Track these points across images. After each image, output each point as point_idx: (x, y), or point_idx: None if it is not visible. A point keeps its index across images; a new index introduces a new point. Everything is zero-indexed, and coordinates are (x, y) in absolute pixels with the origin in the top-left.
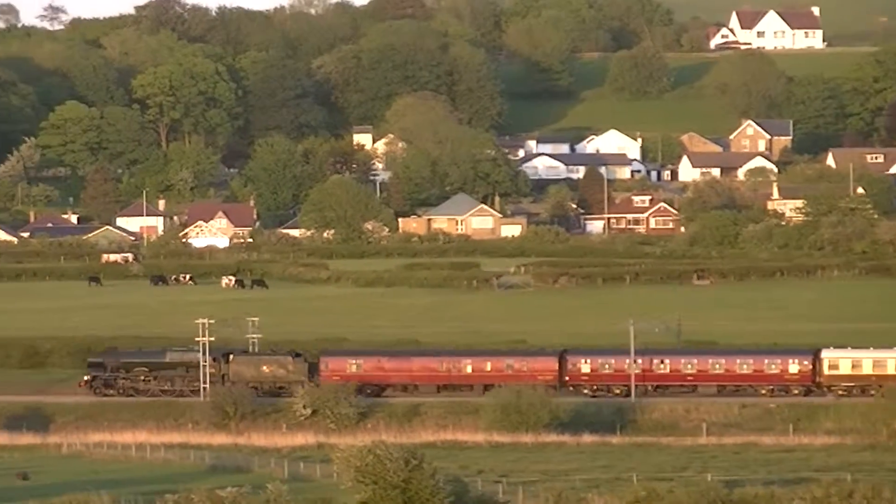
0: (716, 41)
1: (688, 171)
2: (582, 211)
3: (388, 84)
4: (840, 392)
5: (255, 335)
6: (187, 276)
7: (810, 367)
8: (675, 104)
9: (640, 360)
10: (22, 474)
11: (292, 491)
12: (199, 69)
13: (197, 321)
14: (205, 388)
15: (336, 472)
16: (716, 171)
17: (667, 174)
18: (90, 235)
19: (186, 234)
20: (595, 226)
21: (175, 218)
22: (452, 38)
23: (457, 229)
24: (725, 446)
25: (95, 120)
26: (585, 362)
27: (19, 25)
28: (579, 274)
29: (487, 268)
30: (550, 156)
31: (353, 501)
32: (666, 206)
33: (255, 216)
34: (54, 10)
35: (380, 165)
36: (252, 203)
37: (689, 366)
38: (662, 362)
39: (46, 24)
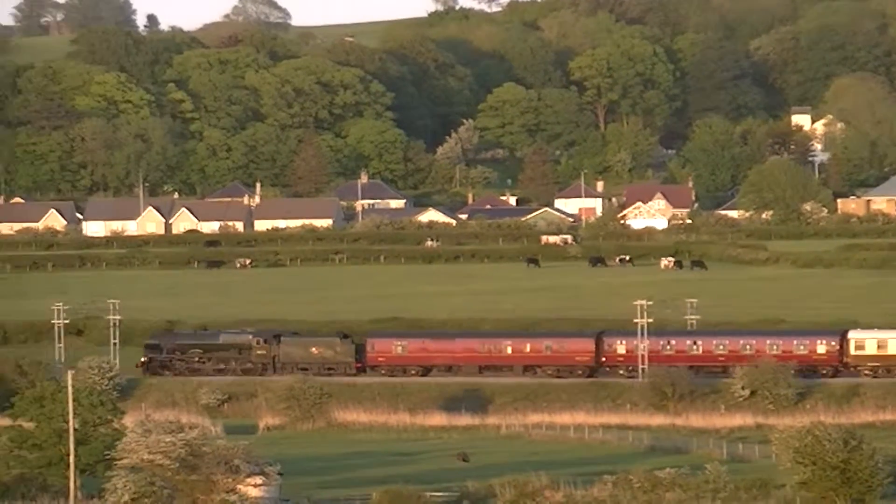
0: None
1: None
2: None
3: (827, 65)
4: (866, 373)
5: (693, 317)
6: (627, 258)
7: (838, 347)
8: None
9: (673, 342)
10: (462, 455)
11: (731, 472)
12: (636, 51)
13: (634, 303)
14: (643, 369)
15: (775, 453)
16: None
17: None
18: (528, 217)
19: (625, 215)
20: None
21: (613, 199)
22: (891, 19)
23: None
24: None
25: (533, 102)
26: (621, 343)
27: (457, 8)
28: None
29: None
30: None
31: (791, 482)
32: None
33: (693, 197)
34: None
35: (818, 146)
36: (690, 184)
37: (721, 347)
38: (695, 344)
39: (484, 6)
